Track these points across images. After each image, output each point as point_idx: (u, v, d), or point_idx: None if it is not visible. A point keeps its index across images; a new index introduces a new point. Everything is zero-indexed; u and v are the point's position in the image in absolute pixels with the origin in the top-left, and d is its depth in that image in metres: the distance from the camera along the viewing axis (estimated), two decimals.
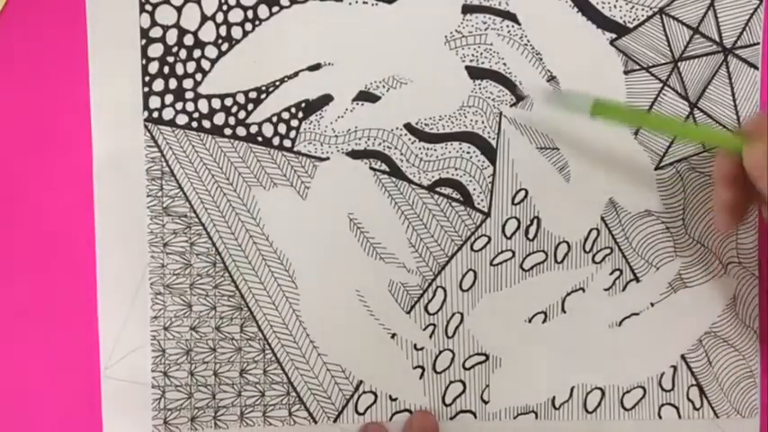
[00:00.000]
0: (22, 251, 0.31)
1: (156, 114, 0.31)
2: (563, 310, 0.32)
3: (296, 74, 0.31)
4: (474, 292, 0.32)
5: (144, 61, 0.30)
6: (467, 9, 0.31)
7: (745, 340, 0.33)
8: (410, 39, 0.31)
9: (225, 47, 0.31)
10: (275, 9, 0.31)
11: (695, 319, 0.33)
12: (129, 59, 0.30)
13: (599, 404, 0.33)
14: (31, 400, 0.31)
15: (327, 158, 0.31)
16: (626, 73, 0.32)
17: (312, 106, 0.31)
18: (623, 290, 0.32)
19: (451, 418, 0.32)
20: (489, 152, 0.32)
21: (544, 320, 0.32)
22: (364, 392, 0.32)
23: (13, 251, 0.31)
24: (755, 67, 0.32)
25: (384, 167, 0.32)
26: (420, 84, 0.31)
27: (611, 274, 0.32)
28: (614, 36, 0.32)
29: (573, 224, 0.32)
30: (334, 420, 0.32)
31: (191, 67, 0.31)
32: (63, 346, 0.31)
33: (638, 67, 0.32)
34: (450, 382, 0.32)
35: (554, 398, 0.32)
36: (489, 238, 0.32)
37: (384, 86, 0.31)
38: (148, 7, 0.30)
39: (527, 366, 0.32)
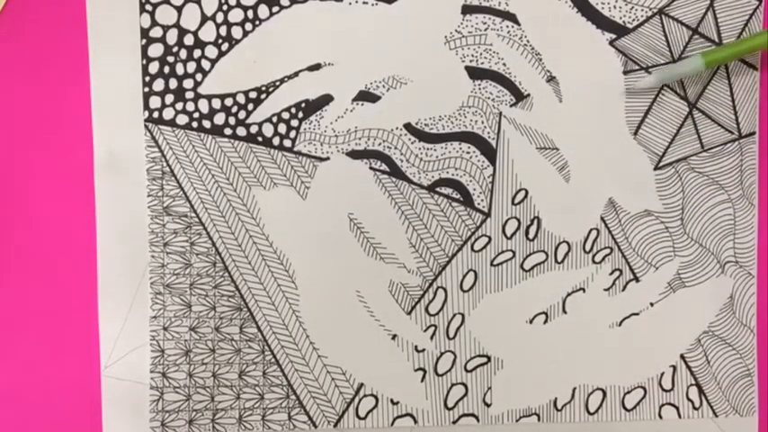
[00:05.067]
0: (22, 251, 0.33)
1: (156, 114, 0.33)
2: (564, 311, 0.35)
3: (296, 74, 0.33)
4: (475, 293, 0.35)
5: (144, 61, 0.33)
6: (467, 9, 0.34)
7: (742, 339, 0.36)
8: (410, 39, 0.34)
9: (225, 47, 0.33)
10: (275, 9, 0.33)
11: (694, 319, 0.35)
12: (130, 59, 0.33)
13: (600, 405, 0.35)
14: (31, 399, 0.33)
15: (327, 158, 0.34)
16: (625, 73, 0.34)
17: (312, 106, 0.34)
18: (623, 290, 0.35)
19: (454, 422, 0.34)
20: (489, 152, 0.35)
21: (545, 321, 0.35)
22: (365, 396, 0.34)
23: (14, 251, 0.33)
24: (755, 68, 0.35)
25: (384, 167, 0.34)
26: (420, 84, 0.34)
27: (611, 274, 0.35)
28: (614, 36, 0.34)
29: (573, 224, 0.35)
30: (335, 425, 0.34)
31: (191, 67, 0.33)
32: (63, 345, 0.33)
33: (637, 68, 0.35)
34: (453, 385, 0.34)
35: (556, 399, 0.35)
36: (489, 239, 0.35)
37: (384, 86, 0.34)
38: (148, 7, 0.33)
39: (529, 368, 0.35)
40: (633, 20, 0.35)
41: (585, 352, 0.35)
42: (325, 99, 0.34)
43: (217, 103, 0.34)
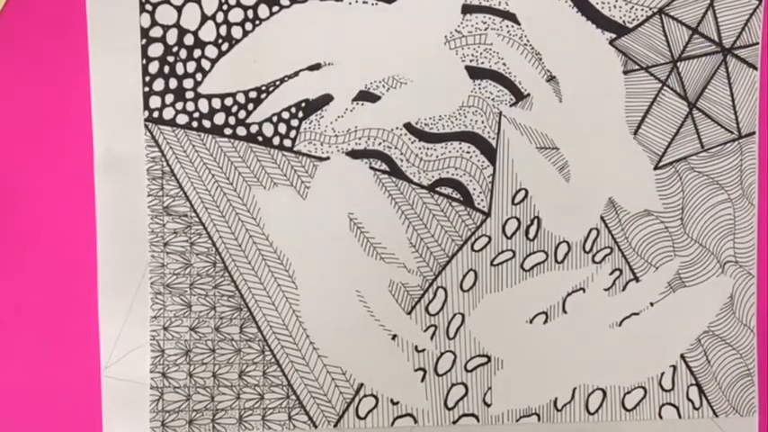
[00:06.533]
0: (22, 251, 0.33)
1: (156, 114, 0.33)
2: (564, 311, 0.35)
3: (296, 74, 0.34)
4: (475, 293, 0.35)
5: (144, 61, 0.33)
6: (467, 9, 0.34)
7: (742, 339, 0.36)
8: (410, 39, 0.34)
9: (225, 47, 0.33)
10: (275, 9, 0.33)
11: (694, 319, 0.35)
12: (130, 59, 0.33)
13: (600, 405, 0.35)
14: (31, 400, 0.33)
15: (327, 158, 0.34)
16: (625, 73, 0.34)
17: (312, 106, 0.34)
18: (623, 290, 0.35)
19: (454, 422, 0.35)
20: (489, 152, 0.35)
21: (545, 321, 0.35)
22: (365, 396, 0.34)
23: (14, 251, 0.33)
24: (754, 68, 0.35)
25: (384, 167, 0.34)
26: (420, 84, 0.34)
27: (611, 273, 0.35)
28: (614, 36, 0.34)
29: (573, 224, 0.35)
30: (335, 425, 0.34)
31: (191, 66, 0.33)
32: (63, 345, 0.33)
33: (637, 67, 0.35)
34: (453, 385, 0.35)
35: (556, 399, 0.35)
36: (490, 238, 0.35)
37: (384, 86, 0.34)
38: (149, 7, 0.33)
39: (529, 367, 0.35)
40: (633, 19, 0.35)
41: (585, 352, 0.35)
42: (325, 99, 0.34)
43: (217, 103, 0.34)
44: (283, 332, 0.34)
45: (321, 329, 0.34)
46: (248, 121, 0.34)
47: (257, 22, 0.33)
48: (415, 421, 0.35)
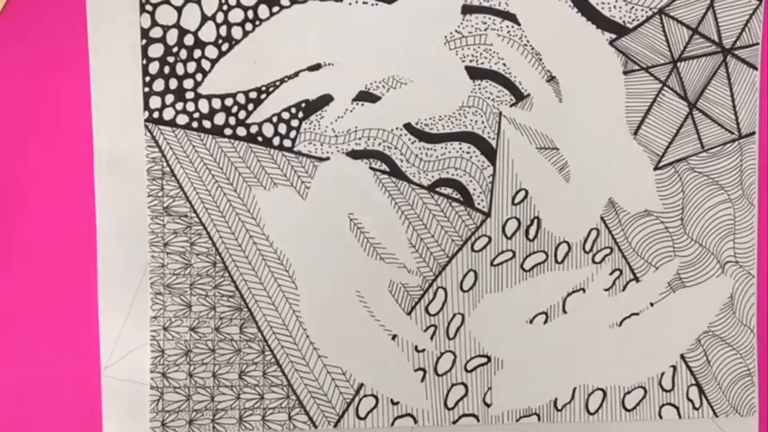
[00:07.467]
0: (22, 251, 0.33)
1: (156, 114, 0.33)
2: (564, 311, 0.35)
3: (296, 74, 0.34)
4: (475, 293, 0.35)
5: (144, 61, 0.33)
6: (467, 9, 0.34)
7: (742, 339, 0.36)
8: (410, 39, 0.34)
9: (225, 47, 0.33)
10: (275, 9, 0.33)
11: (694, 319, 0.35)
12: (130, 59, 0.33)
13: (601, 405, 0.35)
14: (31, 399, 0.34)
15: (327, 158, 0.34)
16: (625, 73, 0.34)
17: (312, 106, 0.34)
18: (623, 290, 0.35)
19: (454, 422, 0.35)
20: (489, 152, 0.35)
21: (545, 321, 0.35)
22: (365, 396, 0.34)
23: (13, 251, 0.33)
24: (755, 68, 0.35)
25: (384, 167, 0.34)
26: (420, 84, 0.34)
27: (611, 274, 0.35)
28: (614, 36, 0.34)
29: (573, 224, 0.35)
30: (335, 425, 0.34)
31: (191, 67, 0.33)
32: (63, 345, 0.33)
33: (637, 68, 0.35)
34: (453, 385, 0.35)
35: (556, 399, 0.35)
36: (490, 239, 0.35)
37: (384, 86, 0.34)
38: (149, 7, 0.33)
39: (529, 368, 0.35)
40: (633, 20, 0.35)
41: (585, 352, 0.35)
42: (325, 99, 0.34)
43: (217, 103, 0.34)
44: (283, 332, 0.34)
45: (321, 329, 0.34)
46: (248, 121, 0.34)
47: (257, 22, 0.33)
48: (415, 421, 0.35)
